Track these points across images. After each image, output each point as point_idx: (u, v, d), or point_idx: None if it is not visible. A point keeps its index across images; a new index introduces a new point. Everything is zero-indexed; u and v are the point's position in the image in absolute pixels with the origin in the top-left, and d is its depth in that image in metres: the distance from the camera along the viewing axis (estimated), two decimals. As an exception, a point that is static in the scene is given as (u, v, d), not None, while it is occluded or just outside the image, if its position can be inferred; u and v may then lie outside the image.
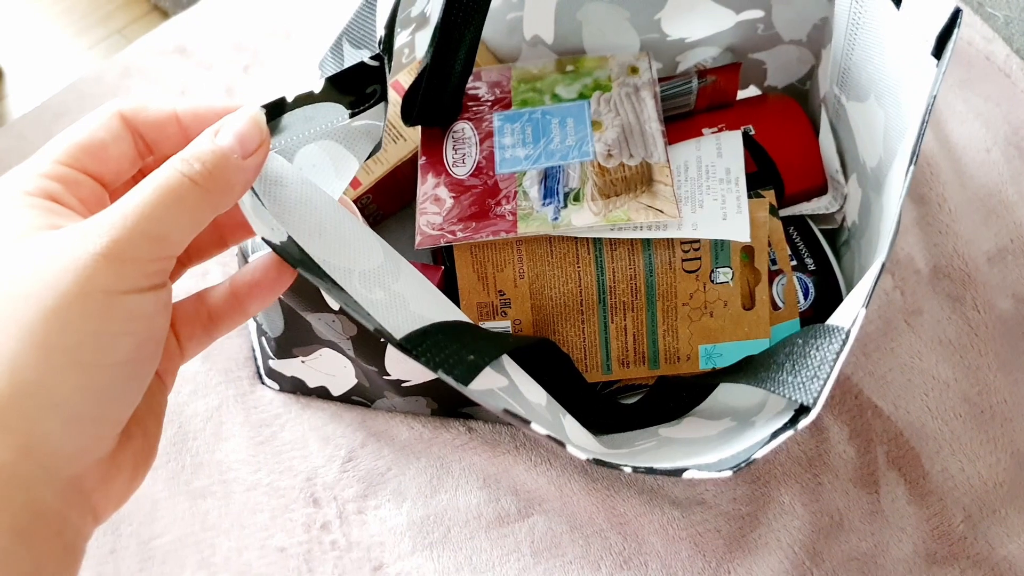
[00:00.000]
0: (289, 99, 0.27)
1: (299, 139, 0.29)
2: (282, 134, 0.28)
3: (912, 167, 0.29)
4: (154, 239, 0.23)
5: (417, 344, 0.29)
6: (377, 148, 0.35)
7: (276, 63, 0.62)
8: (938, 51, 0.31)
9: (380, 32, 0.29)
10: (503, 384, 0.33)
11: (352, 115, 0.30)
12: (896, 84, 0.36)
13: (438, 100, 0.44)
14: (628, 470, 0.27)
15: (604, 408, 0.44)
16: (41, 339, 0.21)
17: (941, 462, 0.46)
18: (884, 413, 0.47)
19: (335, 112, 0.29)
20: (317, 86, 0.28)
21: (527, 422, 0.27)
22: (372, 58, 0.29)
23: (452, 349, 0.30)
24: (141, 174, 0.27)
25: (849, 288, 0.46)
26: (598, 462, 0.28)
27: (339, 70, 0.28)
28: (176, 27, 0.64)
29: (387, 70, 0.30)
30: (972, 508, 0.45)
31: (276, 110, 0.27)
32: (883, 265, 0.28)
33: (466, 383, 0.29)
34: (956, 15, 0.30)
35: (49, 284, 0.21)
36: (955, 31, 0.30)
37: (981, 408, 0.46)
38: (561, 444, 0.27)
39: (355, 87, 0.29)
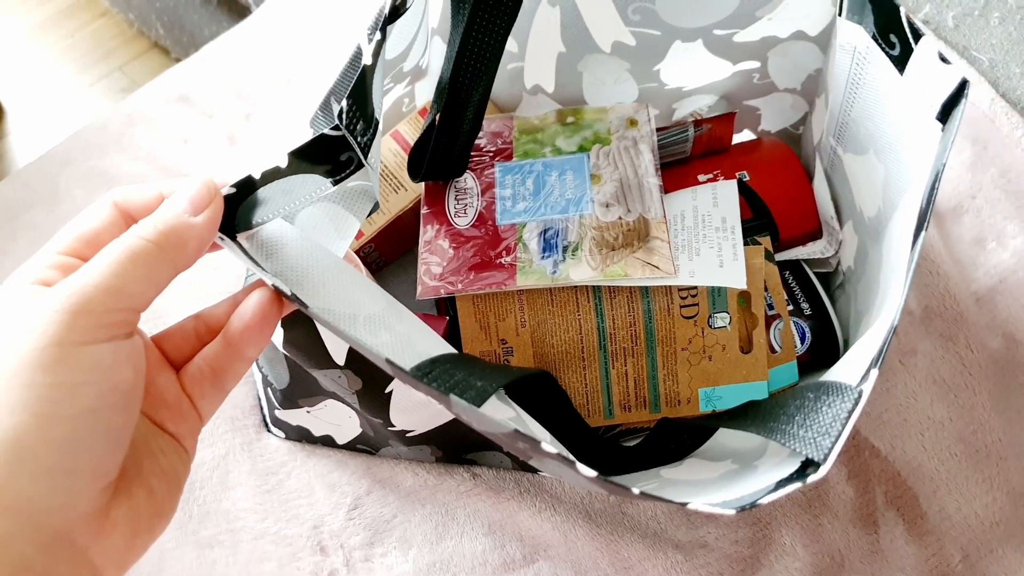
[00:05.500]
0: (256, 176, 0.28)
1: (290, 208, 0.30)
2: (263, 208, 0.29)
3: (924, 233, 0.29)
4: (109, 291, 0.24)
5: (427, 372, 0.30)
6: (375, 207, 0.36)
7: (278, 111, 0.63)
8: (943, 116, 0.32)
9: (342, 104, 0.29)
10: (511, 415, 0.33)
11: (335, 183, 0.31)
12: (897, 142, 0.37)
13: (446, 158, 0.45)
14: (636, 491, 0.28)
15: (606, 450, 0.45)
16: (4, 397, 0.22)
17: (938, 502, 0.46)
18: (881, 453, 0.47)
19: (316, 183, 0.30)
20: (283, 161, 0.28)
21: (537, 442, 0.27)
22: (332, 128, 0.29)
23: (461, 375, 0.31)
24: None
25: (844, 332, 0.47)
26: (606, 481, 0.28)
27: (301, 144, 0.29)
28: (179, 75, 0.65)
29: (351, 139, 0.30)
30: (970, 548, 0.45)
31: (246, 188, 0.28)
32: (894, 328, 0.28)
33: (478, 405, 0.29)
34: (963, 85, 0.31)
35: (10, 340, 0.23)
36: (962, 100, 0.31)
37: (976, 447, 0.47)
38: (571, 463, 0.27)
39: (324, 158, 0.30)
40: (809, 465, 0.28)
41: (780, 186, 0.49)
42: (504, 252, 0.44)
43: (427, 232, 0.46)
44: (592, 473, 0.27)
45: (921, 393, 0.49)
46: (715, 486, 0.34)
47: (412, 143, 0.51)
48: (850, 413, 0.28)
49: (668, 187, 0.48)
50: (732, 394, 0.45)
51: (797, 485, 0.27)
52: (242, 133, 0.62)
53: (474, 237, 0.45)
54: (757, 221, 0.47)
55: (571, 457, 0.28)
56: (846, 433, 0.27)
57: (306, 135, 0.29)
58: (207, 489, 0.47)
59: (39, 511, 0.22)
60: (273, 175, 0.28)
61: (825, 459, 0.27)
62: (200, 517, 0.47)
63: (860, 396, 0.28)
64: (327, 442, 0.48)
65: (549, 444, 0.27)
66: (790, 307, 0.48)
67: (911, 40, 0.34)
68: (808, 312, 0.48)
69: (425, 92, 0.53)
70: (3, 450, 0.22)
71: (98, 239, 0.26)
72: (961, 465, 0.47)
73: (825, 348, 0.47)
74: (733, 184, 0.46)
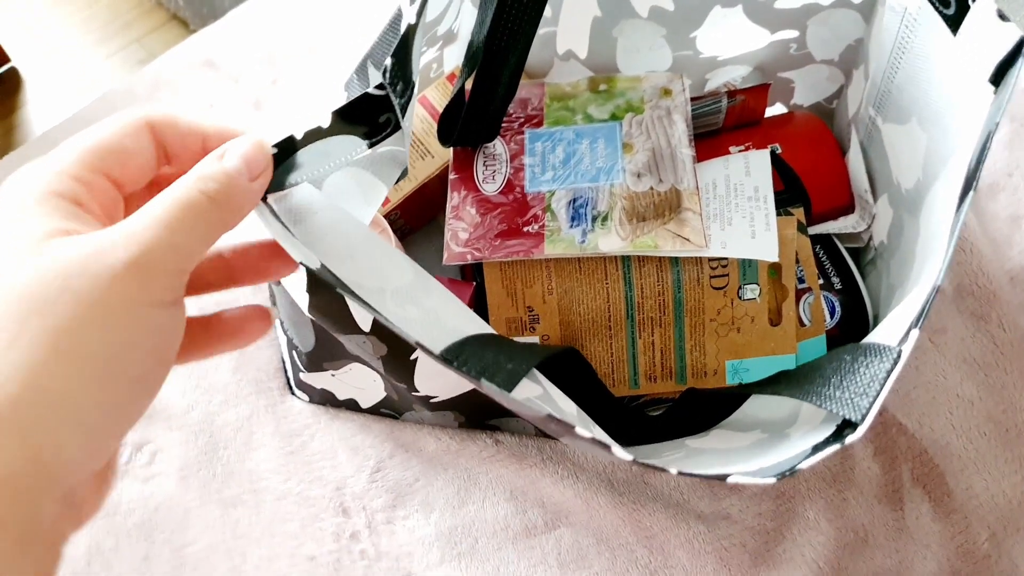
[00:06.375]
0: (298, 136, 0.27)
1: (323, 171, 0.29)
2: (299, 170, 0.28)
3: (972, 194, 0.28)
4: (178, 250, 0.23)
5: (456, 355, 0.30)
6: (404, 173, 0.35)
7: (303, 76, 0.62)
8: (996, 79, 0.31)
9: (387, 61, 0.29)
10: (539, 393, 0.33)
11: (371, 145, 0.30)
12: (943, 109, 0.36)
13: (479, 123, 0.45)
14: (673, 471, 0.27)
15: (631, 420, 0.45)
16: (66, 348, 0.21)
17: (966, 480, 0.46)
18: (909, 431, 0.47)
19: (352, 144, 0.29)
20: (325, 121, 0.27)
21: (571, 427, 0.27)
22: (377, 87, 0.28)
23: (491, 358, 0.30)
24: (155, 183, 0.27)
25: (875, 308, 0.46)
26: (642, 464, 0.28)
27: (345, 102, 0.28)
28: (205, 40, 0.65)
29: (394, 99, 0.29)
30: (997, 526, 0.45)
31: (287, 148, 0.27)
32: (937, 288, 0.28)
33: (509, 390, 0.29)
34: (1021, 44, 0.30)
35: (75, 292, 0.21)
36: (1019, 60, 0.30)
37: (1006, 427, 0.47)
38: (607, 447, 0.27)
39: (365, 118, 0.29)
40: (846, 427, 0.28)
41: (812, 160, 0.49)
42: (532, 220, 0.44)
43: (454, 198, 0.46)
44: (628, 457, 0.27)
45: (951, 371, 0.48)
46: (745, 454, 0.34)
47: (440, 109, 0.51)
48: (889, 373, 0.27)
49: (699, 158, 0.48)
50: (760, 367, 0.45)
51: (835, 447, 0.27)
52: (268, 98, 0.61)
53: (502, 204, 0.45)
54: (789, 193, 0.47)
55: (607, 441, 0.27)
56: (885, 392, 0.27)
57: (335, 99, 0.29)
58: (231, 449, 0.47)
59: (67, 468, 0.21)
60: (315, 135, 0.27)
61: (863, 419, 0.26)
62: (224, 476, 0.47)
63: (900, 356, 0.27)
64: (351, 406, 0.48)
65: (583, 428, 0.27)
66: (820, 281, 0.47)
67: None
68: (839, 287, 0.47)
69: (453, 57, 0.52)
70: (54, 403, 0.21)
71: (129, 160, 0.25)
72: (990, 444, 0.46)
73: (855, 323, 0.46)
74: (766, 153, 0.46)
